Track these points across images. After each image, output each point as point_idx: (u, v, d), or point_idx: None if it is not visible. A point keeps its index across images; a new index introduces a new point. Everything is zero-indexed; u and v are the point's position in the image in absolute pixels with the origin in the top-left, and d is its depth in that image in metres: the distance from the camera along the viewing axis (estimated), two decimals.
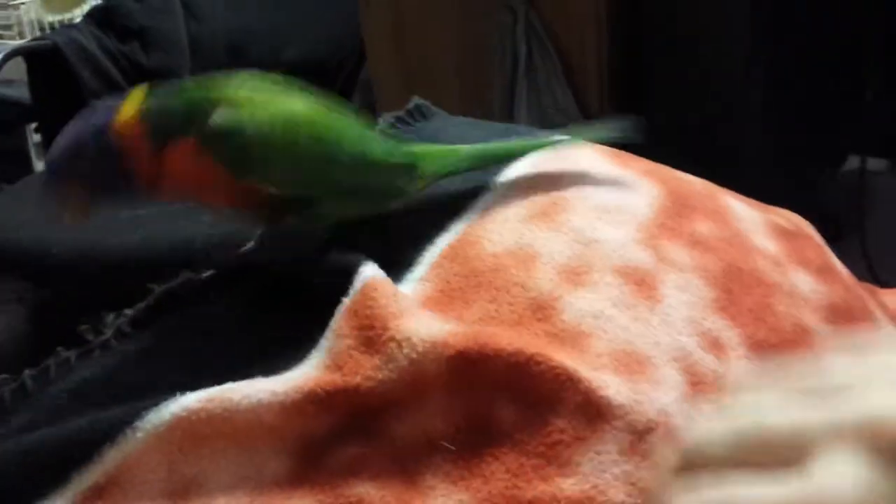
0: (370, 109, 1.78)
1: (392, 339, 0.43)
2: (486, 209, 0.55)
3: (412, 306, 0.46)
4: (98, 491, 0.42)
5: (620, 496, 0.41)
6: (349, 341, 0.45)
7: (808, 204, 0.71)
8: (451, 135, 0.64)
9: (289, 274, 0.51)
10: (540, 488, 0.41)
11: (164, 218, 0.62)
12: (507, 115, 1.46)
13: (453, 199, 0.56)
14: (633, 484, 0.42)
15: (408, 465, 0.42)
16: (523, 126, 0.71)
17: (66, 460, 0.42)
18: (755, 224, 0.59)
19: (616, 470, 0.42)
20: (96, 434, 0.43)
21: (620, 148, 0.66)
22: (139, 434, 0.42)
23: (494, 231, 0.53)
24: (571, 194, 0.56)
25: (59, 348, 0.49)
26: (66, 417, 0.45)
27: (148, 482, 0.42)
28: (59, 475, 0.42)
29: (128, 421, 0.43)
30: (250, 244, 0.54)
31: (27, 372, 0.48)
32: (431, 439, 0.43)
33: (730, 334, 0.50)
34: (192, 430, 0.43)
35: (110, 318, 0.55)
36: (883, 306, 0.63)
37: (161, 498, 0.42)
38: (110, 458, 0.42)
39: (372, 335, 0.44)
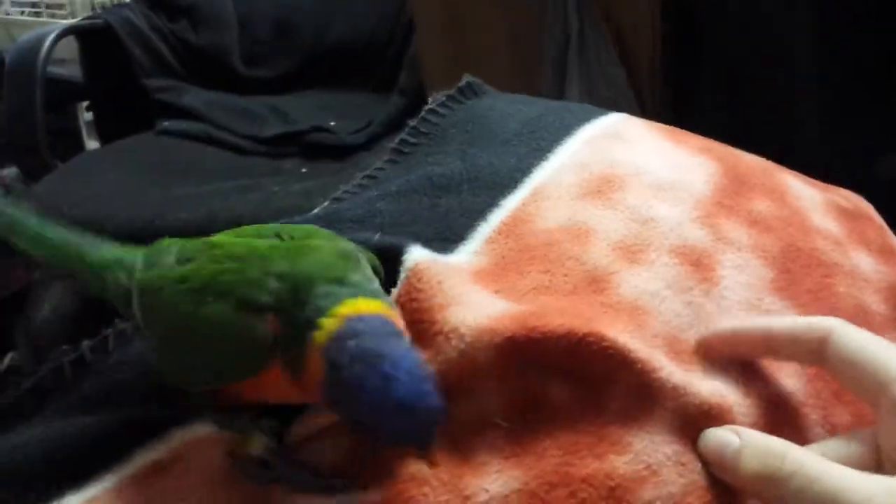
0: (418, 88, 1.77)
1: (440, 332, 0.43)
2: (539, 186, 0.54)
3: (460, 290, 0.45)
4: (161, 467, 0.42)
5: (672, 476, 0.41)
6: None
7: (866, 184, 0.70)
8: (502, 112, 0.63)
9: None
10: (593, 466, 0.41)
11: (224, 195, 0.62)
12: (558, 91, 1.44)
13: (505, 176, 0.55)
14: (683, 465, 0.41)
15: (461, 443, 0.42)
16: (575, 103, 0.70)
17: (131, 438, 0.43)
18: (814, 203, 0.58)
19: (668, 450, 0.41)
20: (163, 415, 0.43)
21: (674, 125, 0.65)
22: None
23: (548, 208, 0.52)
24: (626, 172, 0.55)
25: (116, 320, 0.50)
26: (128, 391, 0.46)
27: (212, 460, 0.42)
28: (123, 451, 0.43)
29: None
30: None
31: (86, 343, 0.49)
32: (484, 420, 0.42)
33: (788, 315, 0.49)
34: None
35: None
36: None
37: (222, 475, 0.42)
38: (176, 437, 0.43)
39: (420, 329, 0.44)
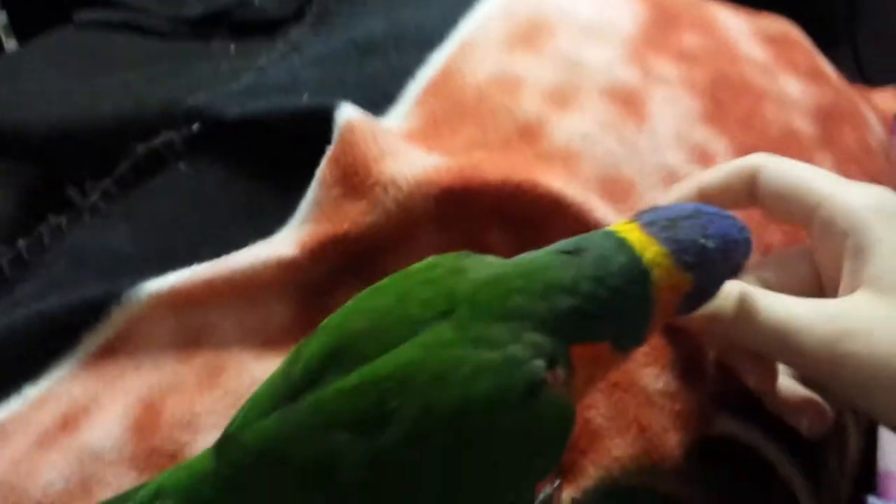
0: None
1: (376, 183, 0.43)
2: (467, 38, 0.53)
3: (395, 144, 0.45)
4: (109, 348, 0.43)
5: None
6: (335, 190, 0.45)
7: (799, 10, 0.69)
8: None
9: (270, 125, 0.50)
10: None
11: (151, 81, 0.60)
12: None
13: (431, 31, 0.54)
14: None
15: None
16: None
17: (75, 323, 0.43)
18: (742, 32, 0.58)
19: None
20: (103, 296, 0.43)
21: None
22: (142, 296, 0.43)
23: (477, 61, 0.52)
24: (553, 18, 0.54)
25: (49, 215, 0.49)
26: (68, 284, 0.46)
27: (158, 335, 0.43)
28: (69, 337, 0.43)
29: (132, 284, 0.43)
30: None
31: (21, 241, 0.48)
32: None
33: (718, 144, 0.49)
34: (196, 291, 0.43)
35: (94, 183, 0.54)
36: (874, 107, 0.62)
37: (172, 348, 0.43)
38: (119, 318, 0.43)
39: (356, 181, 0.44)
